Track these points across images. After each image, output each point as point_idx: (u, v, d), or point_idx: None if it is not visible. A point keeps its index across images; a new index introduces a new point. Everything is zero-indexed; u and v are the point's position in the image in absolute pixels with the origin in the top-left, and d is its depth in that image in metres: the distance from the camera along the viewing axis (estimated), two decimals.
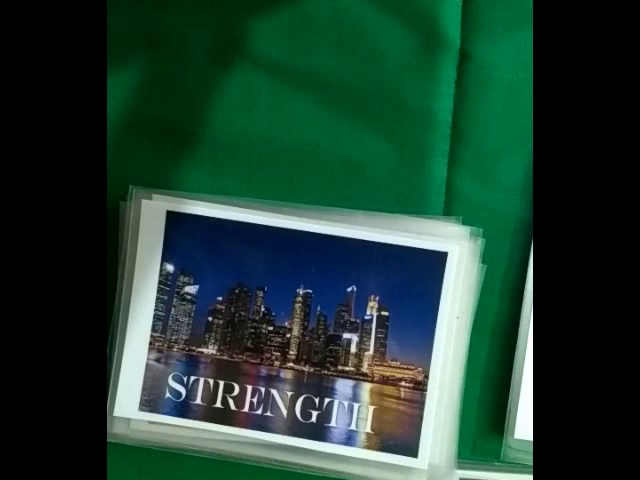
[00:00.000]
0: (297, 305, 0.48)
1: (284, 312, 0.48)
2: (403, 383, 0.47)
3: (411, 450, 0.47)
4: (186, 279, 0.48)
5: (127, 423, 0.48)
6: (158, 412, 0.48)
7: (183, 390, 0.48)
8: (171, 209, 0.48)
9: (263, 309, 0.48)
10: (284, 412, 0.47)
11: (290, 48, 0.48)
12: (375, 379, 0.47)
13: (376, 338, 0.48)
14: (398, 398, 0.47)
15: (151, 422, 0.48)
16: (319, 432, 0.47)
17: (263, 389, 0.48)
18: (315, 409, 0.47)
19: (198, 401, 0.48)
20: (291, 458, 0.47)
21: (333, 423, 0.47)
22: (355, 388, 0.48)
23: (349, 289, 0.48)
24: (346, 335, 0.48)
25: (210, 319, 0.48)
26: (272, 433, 0.47)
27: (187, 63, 0.49)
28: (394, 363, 0.47)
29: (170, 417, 0.48)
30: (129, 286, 0.48)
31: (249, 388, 0.48)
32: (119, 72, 0.48)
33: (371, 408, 0.47)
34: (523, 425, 0.46)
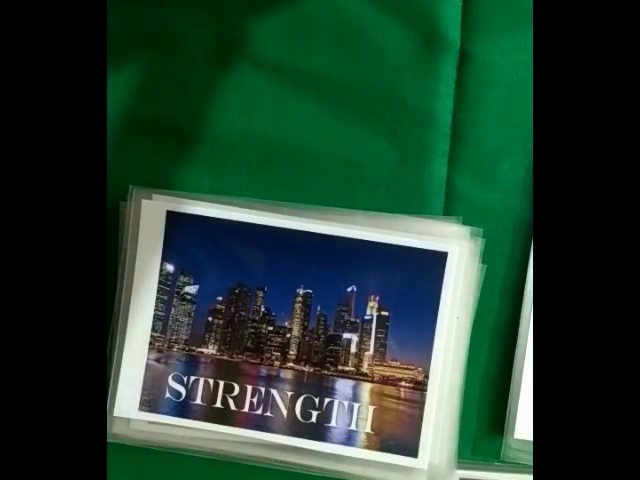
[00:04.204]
0: (297, 305, 0.48)
1: (284, 312, 0.48)
2: (403, 383, 0.47)
3: (411, 450, 0.47)
4: (186, 279, 0.48)
5: (127, 423, 0.48)
6: (158, 412, 0.48)
7: (183, 390, 0.48)
8: (171, 209, 0.48)
9: (263, 309, 0.48)
10: (284, 412, 0.47)
11: (290, 48, 0.48)
12: (375, 379, 0.47)
13: (376, 338, 0.48)
14: (398, 398, 0.47)
15: (151, 422, 0.48)
16: (319, 432, 0.47)
17: (263, 389, 0.48)
18: (315, 409, 0.47)
19: (198, 401, 0.48)
20: (291, 458, 0.47)
21: (333, 423, 0.47)
22: (355, 388, 0.48)
23: (349, 289, 0.48)
24: (346, 335, 0.48)
25: (210, 319, 0.48)
26: (272, 433, 0.47)
27: (187, 63, 0.49)
28: (394, 363, 0.47)
29: (170, 417, 0.48)
30: (129, 286, 0.48)
31: (249, 388, 0.48)
32: (119, 72, 0.48)
33: (371, 408, 0.47)
34: (523, 425, 0.46)
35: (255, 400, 0.48)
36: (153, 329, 0.48)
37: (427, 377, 0.47)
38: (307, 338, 0.48)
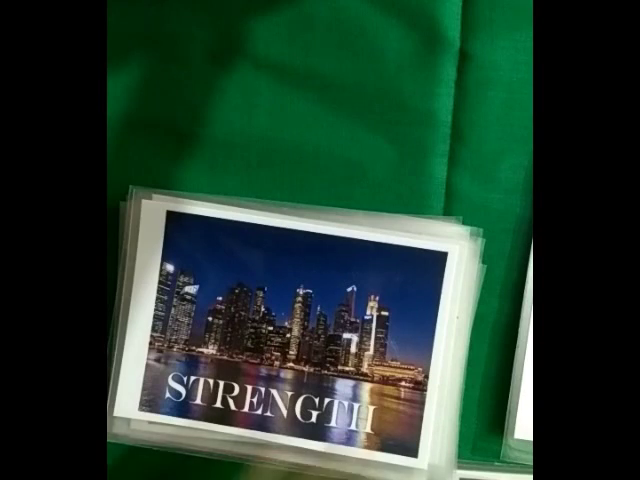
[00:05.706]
0: (297, 305, 0.48)
1: (284, 312, 0.48)
2: (403, 383, 0.47)
3: (411, 450, 0.47)
4: (186, 279, 0.48)
5: (127, 423, 0.48)
6: (158, 412, 0.48)
7: (183, 390, 0.48)
8: (171, 209, 0.48)
9: (263, 309, 0.48)
10: (284, 412, 0.47)
11: (290, 48, 0.48)
12: (375, 379, 0.47)
13: (376, 338, 0.48)
14: (398, 398, 0.47)
15: (151, 422, 0.48)
16: (319, 432, 0.47)
17: (263, 389, 0.48)
18: (315, 409, 0.47)
19: (198, 401, 0.48)
20: (291, 458, 0.47)
21: (333, 423, 0.47)
22: (355, 388, 0.48)
23: (349, 289, 0.48)
24: (346, 335, 0.48)
25: (210, 319, 0.48)
26: (272, 433, 0.47)
27: (187, 63, 0.49)
28: (394, 363, 0.47)
29: (170, 417, 0.48)
30: (129, 286, 0.48)
31: (249, 388, 0.48)
32: (119, 72, 0.48)
33: (371, 408, 0.47)
34: (523, 425, 0.46)
35: (255, 400, 0.48)
36: (153, 329, 0.48)
37: (427, 377, 0.47)
38: (307, 338, 0.48)
